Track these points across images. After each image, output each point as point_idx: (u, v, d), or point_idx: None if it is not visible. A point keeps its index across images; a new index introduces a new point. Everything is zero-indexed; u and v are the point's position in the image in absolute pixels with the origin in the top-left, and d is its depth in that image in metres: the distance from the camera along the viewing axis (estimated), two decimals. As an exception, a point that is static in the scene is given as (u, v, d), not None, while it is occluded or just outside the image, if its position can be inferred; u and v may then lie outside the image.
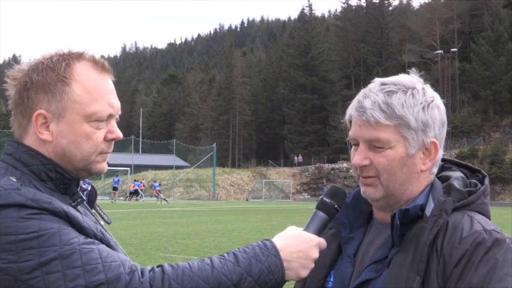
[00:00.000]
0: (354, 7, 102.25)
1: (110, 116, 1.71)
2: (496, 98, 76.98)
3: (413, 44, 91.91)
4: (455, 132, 76.14)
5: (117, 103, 1.73)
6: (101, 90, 1.69)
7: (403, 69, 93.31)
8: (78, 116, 1.65)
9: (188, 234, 20.26)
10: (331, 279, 1.82)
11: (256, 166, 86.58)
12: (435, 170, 1.75)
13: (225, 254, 1.61)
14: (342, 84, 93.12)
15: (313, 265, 1.67)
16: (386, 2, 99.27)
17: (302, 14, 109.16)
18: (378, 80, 1.74)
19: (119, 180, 57.24)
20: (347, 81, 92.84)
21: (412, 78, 1.74)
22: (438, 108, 1.71)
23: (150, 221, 26.20)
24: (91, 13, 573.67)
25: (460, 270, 1.54)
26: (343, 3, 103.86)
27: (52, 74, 1.65)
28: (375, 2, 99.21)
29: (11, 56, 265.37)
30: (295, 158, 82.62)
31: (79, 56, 1.71)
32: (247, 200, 68.01)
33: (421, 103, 1.67)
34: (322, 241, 1.71)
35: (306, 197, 71.97)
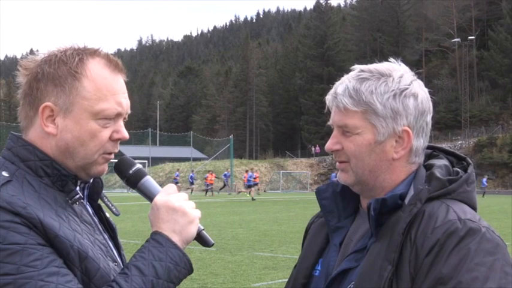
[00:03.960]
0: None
1: (118, 115, 1.68)
2: (515, 85, 76.25)
3: (430, 33, 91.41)
4: (474, 120, 75.59)
5: (126, 103, 1.70)
6: (111, 88, 1.66)
7: (420, 58, 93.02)
8: (85, 112, 1.62)
9: (206, 226, 19.79)
10: (319, 268, 1.83)
11: (274, 157, 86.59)
12: (416, 159, 1.72)
13: (126, 270, 1.55)
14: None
15: (193, 212, 1.66)
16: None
17: (318, 4, 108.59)
18: (357, 67, 1.75)
19: (193, 175, 56.81)
20: None
21: (392, 66, 1.73)
22: (414, 96, 1.68)
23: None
24: (108, 7, 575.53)
25: (431, 260, 1.51)
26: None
27: (64, 68, 1.63)
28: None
29: (28, 51, 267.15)
30: (313, 148, 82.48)
31: (93, 52, 1.68)
32: (264, 191, 68.04)
33: (393, 90, 1.66)
34: (169, 187, 1.71)
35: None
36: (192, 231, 1.65)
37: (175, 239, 1.61)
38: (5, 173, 1.56)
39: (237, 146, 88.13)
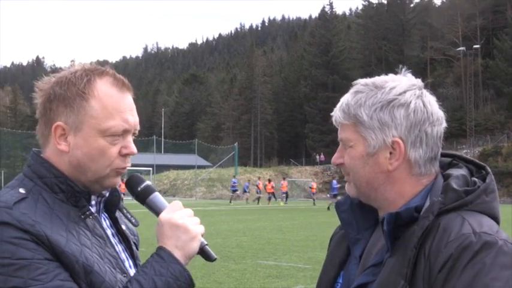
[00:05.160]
0: (375, 5, 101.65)
1: (125, 132, 1.77)
2: (520, 94, 76.08)
3: (436, 41, 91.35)
4: (479, 129, 75.44)
5: (133, 119, 1.79)
6: (117, 106, 1.75)
7: (425, 66, 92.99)
8: (93, 130, 1.73)
9: (210, 234, 20.29)
10: (340, 281, 1.83)
11: (278, 165, 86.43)
12: (422, 169, 1.68)
13: (128, 284, 1.66)
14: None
15: (195, 228, 1.75)
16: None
17: (323, 13, 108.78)
18: (359, 81, 1.76)
19: (247, 184, 56.13)
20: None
21: (390, 78, 1.72)
22: (404, 107, 1.65)
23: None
24: (113, 14, 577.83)
25: (444, 276, 1.48)
26: (364, 1, 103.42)
27: (73, 89, 1.74)
28: (396, 0, 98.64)
29: (34, 58, 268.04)
30: (317, 156, 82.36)
31: (101, 73, 1.78)
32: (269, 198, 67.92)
33: (380, 102, 1.66)
34: (174, 204, 1.79)
35: (328, 196, 71.73)
36: (194, 247, 1.74)
37: (178, 254, 1.71)
38: (21, 190, 1.69)
39: (241, 153, 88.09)
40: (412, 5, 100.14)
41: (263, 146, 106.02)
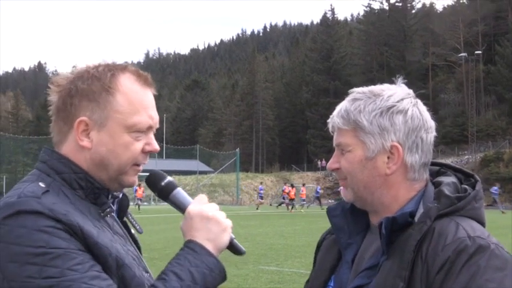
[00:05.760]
0: (376, 10, 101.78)
1: (149, 128, 1.74)
2: (522, 100, 76.01)
3: (437, 47, 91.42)
4: (481, 135, 75.38)
5: (156, 116, 1.77)
6: (142, 102, 1.73)
7: (426, 72, 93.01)
8: (119, 125, 1.69)
9: None
10: (331, 284, 1.87)
11: (280, 171, 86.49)
12: (416, 175, 1.77)
13: (163, 276, 1.61)
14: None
15: (225, 221, 1.73)
16: (409, 5, 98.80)
17: (324, 18, 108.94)
18: (355, 90, 1.84)
19: (261, 189, 56.26)
20: (370, 85, 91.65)
21: (386, 86, 1.81)
22: (403, 114, 1.74)
23: (174, 226, 26.00)
24: (115, 20, 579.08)
25: (442, 278, 1.56)
26: (366, 6, 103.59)
27: (97, 83, 1.69)
28: (397, 5, 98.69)
29: (36, 64, 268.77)
30: (319, 162, 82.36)
31: (124, 68, 1.76)
32: (270, 204, 67.91)
33: (380, 108, 1.74)
34: (201, 197, 1.78)
35: (329, 201, 71.69)
36: (225, 239, 1.72)
37: (209, 246, 1.67)
38: (42, 184, 1.63)
39: (243, 159, 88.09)
40: (413, 11, 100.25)
41: (265, 152, 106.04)
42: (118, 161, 1.70)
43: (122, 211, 1.87)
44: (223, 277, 1.69)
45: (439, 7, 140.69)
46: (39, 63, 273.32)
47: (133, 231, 1.89)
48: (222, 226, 1.71)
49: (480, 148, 72.91)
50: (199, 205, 1.74)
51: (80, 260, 1.52)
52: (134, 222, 1.90)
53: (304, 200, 53.09)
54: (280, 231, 24.57)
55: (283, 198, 52.45)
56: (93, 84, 1.70)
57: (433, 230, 1.63)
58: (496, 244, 1.61)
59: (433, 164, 1.86)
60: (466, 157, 73.02)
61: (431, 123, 1.80)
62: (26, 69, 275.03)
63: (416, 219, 1.67)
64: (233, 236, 1.76)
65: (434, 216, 1.64)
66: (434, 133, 1.81)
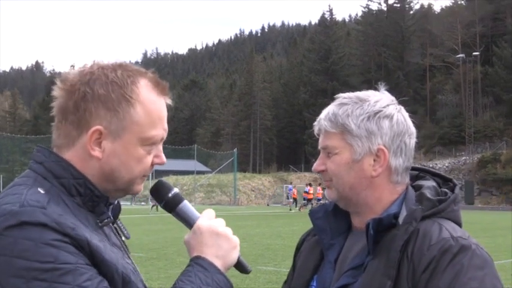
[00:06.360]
0: (374, 11, 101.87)
1: (161, 139, 1.66)
2: (519, 101, 76.04)
3: (435, 48, 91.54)
4: (478, 136, 75.44)
5: (167, 127, 1.68)
6: (159, 113, 1.63)
7: (424, 73, 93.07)
8: (135, 138, 1.58)
9: None
10: (314, 284, 1.92)
11: (277, 171, 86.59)
12: (398, 178, 1.84)
13: None
14: (363, 89, 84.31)
15: (235, 238, 1.68)
16: (407, 6, 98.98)
17: (323, 19, 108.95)
18: (341, 95, 1.91)
19: (290, 189, 56.80)
20: (368, 86, 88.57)
21: (372, 93, 1.88)
22: (389, 118, 1.81)
23: (172, 226, 25.93)
24: (113, 20, 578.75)
25: (428, 276, 1.63)
26: (364, 7, 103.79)
27: (118, 91, 1.56)
28: (395, 6, 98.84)
29: (34, 63, 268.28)
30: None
31: (142, 74, 1.63)
32: (268, 205, 67.93)
33: (367, 113, 1.80)
34: (209, 212, 1.73)
35: (327, 202, 71.57)
36: (234, 257, 1.67)
37: (218, 264, 1.61)
38: (41, 190, 1.50)
39: (240, 159, 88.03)
40: (411, 12, 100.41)
41: (262, 152, 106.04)
42: (130, 175, 1.60)
43: (115, 217, 1.74)
44: None
45: (437, 8, 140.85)
46: (37, 62, 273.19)
47: (123, 238, 1.79)
48: (232, 243, 1.66)
49: (477, 149, 72.99)
50: (209, 220, 1.68)
51: (90, 275, 1.43)
52: (122, 228, 1.78)
53: (320, 200, 53.40)
54: (277, 232, 24.60)
55: (304, 199, 52.93)
56: (113, 91, 1.55)
57: (417, 231, 1.70)
58: (477, 244, 1.69)
59: (412, 168, 1.92)
60: (463, 158, 73.10)
61: (414, 129, 1.87)
62: (24, 68, 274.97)
63: (400, 220, 1.74)
64: (239, 254, 1.72)
65: (420, 218, 1.72)
66: (415, 139, 1.88)
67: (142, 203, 59.65)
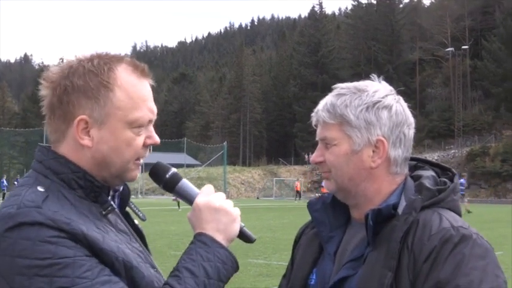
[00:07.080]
0: (364, 5, 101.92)
1: (150, 121, 1.69)
2: (508, 95, 76.26)
3: (424, 42, 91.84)
4: (467, 129, 75.80)
5: (155, 107, 1.72)
6: (141, 95, 1.66)
7: (414, 66, 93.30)
8: (120, 122, 1.62)
9: None
10: (314, 277, 1.90)
11: (267, 164, 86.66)
12: (397, 169, 1.81)
13: (177, 273, 1.59)
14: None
15: (234, 210, 1.70)
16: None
17: (312, 12, 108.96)
18: (339, 85, 1.88)
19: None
20: (358, 79, 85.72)
21: (370, 83, 1.85)
22: (387, 108, 1.79)
23: (162, 219, 26.12)
24: (102, 12, 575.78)
25: (429, 266, 1.61)
26: (354, 1, 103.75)
27: (95, 79, 1.61)
28: (385, 0, 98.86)
29: (22, 56, 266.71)
30: (306, 156, 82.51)
31: (119, 59, 1.67)
32: (258, 198, 68.02)
33: (366, 103, 1.78)
34: (207, 188, 1.75)
35: (316, 195, 71.85)
36: (235, 228, 1.70)
37: (220, 238, 1.65)
38: (40, 188, 1.56)
39: (230, 152, 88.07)
40: (401, 6, 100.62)
41: (252, 145, 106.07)
42: (121, 159, 1.64)
43: (124, 202, 1.81)
44: (235, 268, 1.67)
45: (426, 2, 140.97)
46: (26, 55, 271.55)
47: (136, 221, 1.83)
48: (231, 216, 1.69)
49: (466, 143, 73.33)
50: (207, 196, 1.71)
51: (89, 266, 1.48)
52: (137, 210, 1.84)
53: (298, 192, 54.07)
54: (268, 225, 24.62)
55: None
56: (90, 80, 1.60)
57: (417, 221, 1.67)
58: (477, 234, 1.66)
59: (410, 159, 1.90)
60: (452, 151, 73.44)
61: (412, 120, 1.85)
62: (12, 61, 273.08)
63: (399, 211, 1.71)
64: (242, 224, 1.74)
65: (419, 208, 1.69)
66: (413, 129, 1.86)
67: (139, 196, 59.51)
